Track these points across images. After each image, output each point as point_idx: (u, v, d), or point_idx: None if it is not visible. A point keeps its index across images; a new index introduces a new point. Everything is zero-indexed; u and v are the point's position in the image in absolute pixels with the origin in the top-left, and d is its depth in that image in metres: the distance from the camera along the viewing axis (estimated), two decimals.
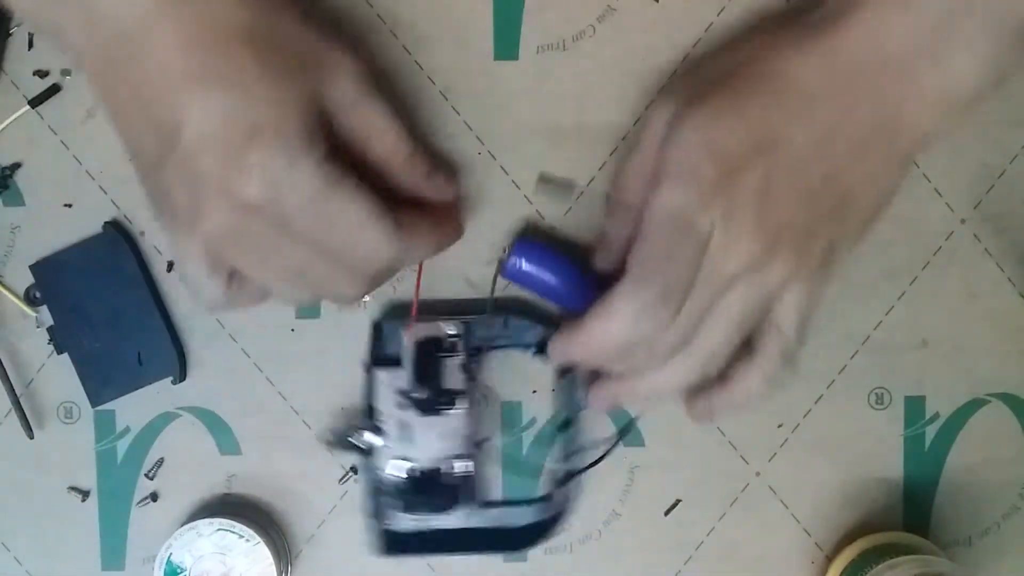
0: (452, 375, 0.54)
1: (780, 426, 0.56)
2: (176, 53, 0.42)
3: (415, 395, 0.53)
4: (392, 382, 0.54)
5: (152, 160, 0.43)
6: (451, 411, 0.54)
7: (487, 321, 0.54)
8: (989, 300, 0.56)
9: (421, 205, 0.50)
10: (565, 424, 0.55)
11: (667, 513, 0.57)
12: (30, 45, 0.55)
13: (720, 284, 0.45)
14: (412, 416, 0.54)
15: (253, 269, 0.45)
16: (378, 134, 0.48)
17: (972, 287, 0.56)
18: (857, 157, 0.46)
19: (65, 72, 0.55)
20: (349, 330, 0.55)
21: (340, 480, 0.56)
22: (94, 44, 0.43)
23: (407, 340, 0.54)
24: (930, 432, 0.56)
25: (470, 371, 0.54)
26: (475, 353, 0.55)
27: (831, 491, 0.56)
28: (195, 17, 0.42)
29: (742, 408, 0.49)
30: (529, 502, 0.56)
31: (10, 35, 0.55)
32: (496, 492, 0.57)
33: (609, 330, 0.46)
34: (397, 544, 0.55)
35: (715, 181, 0.44)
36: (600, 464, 0.56)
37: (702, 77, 0.48)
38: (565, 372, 0.55)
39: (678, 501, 0.57)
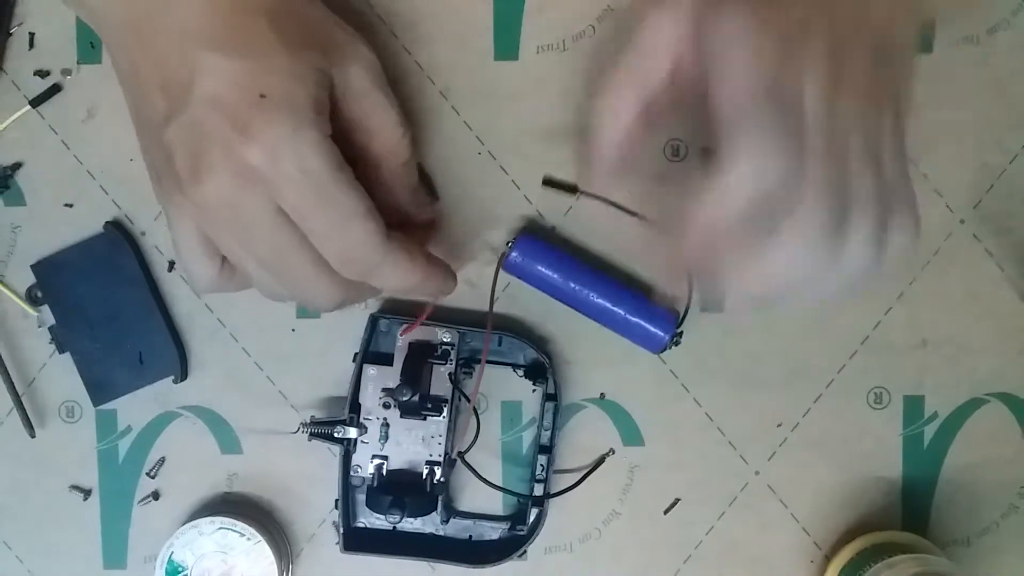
0: (440, 382, 0.54)
1: (779, 426, 0.56)
2: (199, 15, 0.44)
3: (400, 396, 0.53)
4: (380, 379, 0.54)
5: (159, 119, 0.44)
6: (434, 417, 0.54)
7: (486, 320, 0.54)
8: (989, 300, 0.56)
9: (416, 237, 0.50)
10: (544, 448, 0.55)
11: (667, 512, 0.57)
12: (30, 45, 0.55)
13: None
14: (395, 416, 0.54)
15: (236, 251, 0.45)
16: (384, 129, 0.48)
17: (972, 287, 0.56)
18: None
19: (66, 72, 0.55)
20: (349, 330, 0.55)
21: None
22: (117, 2, 0.45)
23: (401, 339, 0.54)
24: (929, 432, 0.56)
25: (458, 381, 0.55)
26: (466, 364, 0.55)
27: (830, 490, 0.57)
28: None
29: None
30: (501, 519, 0.57)
31: (10, 35, 0.55)
32: (469, 503, 0.57)
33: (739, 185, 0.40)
34: (363, 542, 0.55)
35: (779, 48, 0.41)
36: (598, 466, 0.56)
37: None
38: (550, 397, 0.55)
39: (678, 500, 0.57)
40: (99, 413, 0.56)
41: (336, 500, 0.55)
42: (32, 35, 0.55)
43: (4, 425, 0.56)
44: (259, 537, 0.54)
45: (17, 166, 0.55)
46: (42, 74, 0.55)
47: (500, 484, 0.56)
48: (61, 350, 0.56)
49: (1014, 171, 0.55)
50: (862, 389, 0.56)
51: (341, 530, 0.55)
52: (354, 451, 0.54)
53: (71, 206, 0.56)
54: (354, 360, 0.54)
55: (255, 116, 0.42)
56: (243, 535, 0.54)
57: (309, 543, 0.57)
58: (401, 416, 0.54)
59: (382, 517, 0.54)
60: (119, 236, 0.55)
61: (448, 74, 0.55)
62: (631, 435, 0.57)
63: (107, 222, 0.55)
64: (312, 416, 0.55)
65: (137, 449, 0.57)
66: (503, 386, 0.56)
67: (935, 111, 0.55)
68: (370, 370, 0.54)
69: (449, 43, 0.55)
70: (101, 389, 0.56)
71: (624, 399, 0.56)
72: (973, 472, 0.56)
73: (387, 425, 0.54)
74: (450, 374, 0.54)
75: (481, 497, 0.57)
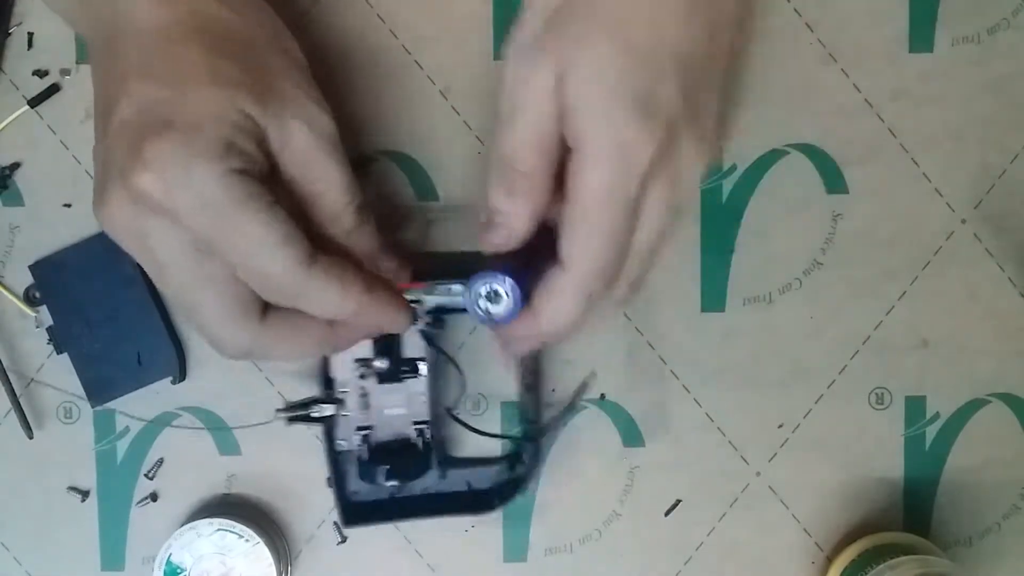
0: (412, 342, 0.54)
1: (780, 426, 0.56)
2: (147, 42, 0.44)
3: (377, 364, 0.52)
4: (351, 351, 0.52)
5: (96, 138, 0.45)
6: (413, 378, 0.54)
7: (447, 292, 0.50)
8: (989, 300, 0.56)
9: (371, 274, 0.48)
10: (529, 387, 0.55)
11: (667, 513, 0.57)
12: (29, 45, 0.55)
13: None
14: (372, 384, 0.54)
15: (151, 269, 0.44)
16: (326, 195, 0.46)
17: (972, 287, 0.56)
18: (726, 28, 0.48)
19: (64, 72, 0.55)
20: None
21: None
22: (93, 27, 0.46)
23: None
24: (931, 432, 0.56)
25: (431, 337, 0.54)
26: (436, 319, 0.53)
27: (831, 491, 0.56)
28: (185, 11, 0.44)
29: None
30: (496, 460, 0.56)
31: (9, 35, 0.55)
32: (462, 452, 0.57)
33: (561, 317, 0.47)
34: (363, 514, 0.55)
35: (638, 130, 0.44)
36: (599, 463, 0.56)
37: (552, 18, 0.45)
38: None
39: (678, 501, 0.57)
40: (97, 414, 0.56)
41: (328, 478, 0.54)
42: (31, 35, 0.55)
43: (2, 426, 0.56)
44: (258, 539, 0.54)
45: (15, 166, 0.55)
46: (41, 74, 0.55)
47: (465, 445, 0.56)
48: (59, 350, 0.55)
49: (1014, 171, 0.55)
50: (863, 389, 0.56)
51: (339, 506, 0.54)
52: (337, 426, 0.54)
53: (69, 206, 0.55)
54: None
55: (153, 144, 0.41)
56: (242, 536, 0.54)
57: (308, 544, 0.57)
58: (379, 383, 0.53)
59: (375, 486, 0.54)
60: None
61: (448, 74, 0.55)
62: (631, 436, 0.56)
63: None
64: (286, 401, 0.55)
65: (135, 450, 0.56)
66: (503, 387, 0.56)
67: (935, 111, 0.55)
68: None
69: (449, 43, 0.55)
70: (99, 389, 0.55)
71: (624, 400, 0.56)
72: (975, 473, 0.56)
73: (366, 395, 0.54)
74: (422, 330, 0.53)
75: (472, 451, 0.56)
